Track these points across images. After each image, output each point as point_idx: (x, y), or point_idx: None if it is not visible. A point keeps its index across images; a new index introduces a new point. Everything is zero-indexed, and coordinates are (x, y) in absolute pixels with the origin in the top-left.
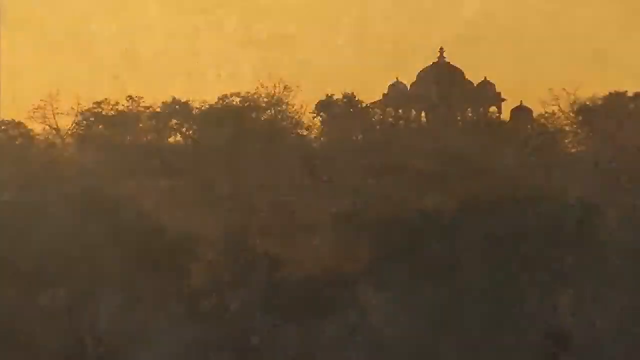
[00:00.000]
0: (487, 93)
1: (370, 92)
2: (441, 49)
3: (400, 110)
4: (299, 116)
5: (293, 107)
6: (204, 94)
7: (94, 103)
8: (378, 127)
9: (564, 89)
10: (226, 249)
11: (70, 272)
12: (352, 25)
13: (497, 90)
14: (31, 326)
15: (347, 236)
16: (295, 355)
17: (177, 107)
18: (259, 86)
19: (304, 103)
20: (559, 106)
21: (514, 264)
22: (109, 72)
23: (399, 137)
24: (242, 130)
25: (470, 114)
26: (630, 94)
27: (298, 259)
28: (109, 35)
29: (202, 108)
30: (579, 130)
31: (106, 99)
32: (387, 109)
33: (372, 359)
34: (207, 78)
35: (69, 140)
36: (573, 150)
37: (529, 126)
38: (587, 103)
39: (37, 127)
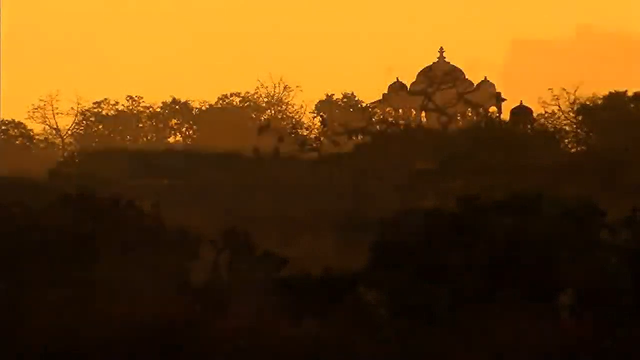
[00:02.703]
0: (487, 93)
1: (370, 92)
2: (441, 48)
3: (400, 110)
4: (299, 116)
5: (293, 107)
6: (204, 93)
7: (94, 103)
8: (378, 127)
9: (563, 89)
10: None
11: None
12: (352, 25)
13: (497, 90)
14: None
15: (347, 236)
16: (297, 355)
17: (177, 107)
18: (259, 86)
19: (304, 103)
20: (559, 106)
21: (513, 264)
22: (109, 72)
23: (398, 137)
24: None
25: (470, 114)
26: (630, 94)
27: (299, 258)
28: (109, 35)
29: (202, 108)
30: (579, 130)
31: (106, 99)
32: (387, 109)
33: (373, 358)
34: (207, 78)
35: (69, 140)
36: (573, 150)
37: (529, 126)
38: (587, 103)
39: (37, 127)
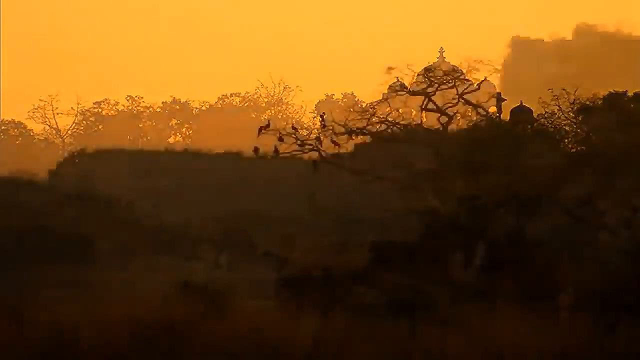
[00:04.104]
0: (487, 93)
1: (370, 92)
2: (441, 48)
3: (400, 110)
4: (299, 116)
5: (293, 107)
6: (204, 93)
7: (94, 103)
8: (378, 127)
9: (563, 89)
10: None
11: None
12: (352, 25)
13: (497, 90)
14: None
15: (347, 236)
16: (297, 355)
17: (177, 107)
18: (259, 86)
19: (304, 103)
20: (559, 106)
21: (513, 265)
22: (109, 72)
23: (398, 137)
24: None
25: (470, 114)
26: (630, 94)
27: (299, 258)
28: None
29: (202, 108)
30: (579, 130)
31: (106, 99)
32: (387, 109)
33: (373, 358)
34: (207, 78)
35: (69, 140)
36: (573, 150)
37: (529, 126)
38: (587, 103)
39: (37, 127)
